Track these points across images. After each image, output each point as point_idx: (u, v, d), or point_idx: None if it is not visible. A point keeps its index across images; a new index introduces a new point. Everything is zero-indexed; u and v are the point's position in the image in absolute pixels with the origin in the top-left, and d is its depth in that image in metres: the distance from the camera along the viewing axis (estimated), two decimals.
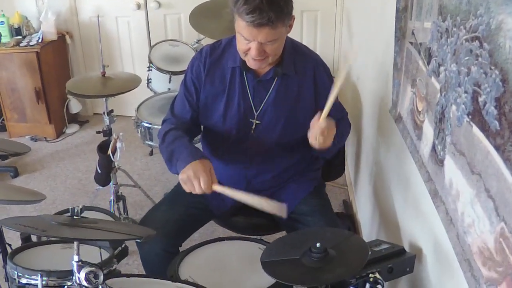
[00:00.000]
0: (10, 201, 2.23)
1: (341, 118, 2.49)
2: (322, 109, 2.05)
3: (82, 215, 1.87)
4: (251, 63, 2.18)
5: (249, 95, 2.32)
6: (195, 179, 2.06)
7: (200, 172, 2.06)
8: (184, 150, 2.20)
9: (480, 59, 1.26)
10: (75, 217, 1.83)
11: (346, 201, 4.01)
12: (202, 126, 2.51)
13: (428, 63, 1.76)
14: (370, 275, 1.75)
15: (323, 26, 5.14)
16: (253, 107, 2.33)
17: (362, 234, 3.38)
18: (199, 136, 2.60)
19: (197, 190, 2.07)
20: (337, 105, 2.47)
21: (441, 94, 1.61)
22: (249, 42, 2.08)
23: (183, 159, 2.14)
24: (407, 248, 2.01)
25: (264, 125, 2.34)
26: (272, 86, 2.31)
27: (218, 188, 2.08)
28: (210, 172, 2.09)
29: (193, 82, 2.37)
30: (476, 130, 1.30)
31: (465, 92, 1.37)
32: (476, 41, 1.29)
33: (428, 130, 1.75)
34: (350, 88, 4.16)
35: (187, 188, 2.10)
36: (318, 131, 2.06)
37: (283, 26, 2.07)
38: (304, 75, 2.33)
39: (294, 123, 2.35)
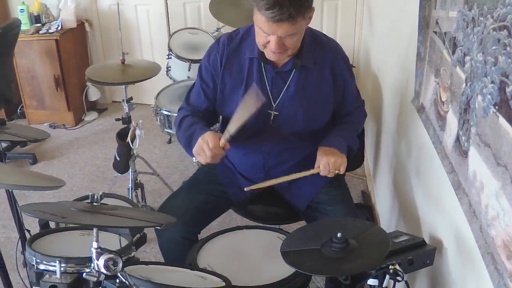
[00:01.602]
0: (29, 187, 2.23)
1: (355, 108, 2.48)
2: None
3: (102, 202, 1.87)
4: (270, 56, 2.16)
5: (267, 86, 2.30)
6: (204, 143, 2.11)
7: (208, 137, 2.12)
8: (201, 131, 2.21)
9: (508, 48, 1.24)
10: (94, 203, 1.83)
11: (364, 192, 3.99)
12: (220, 116, 2.50)
13: (453, 52, 1.74)
14: (390, 266, 1.74)
15: (344, 15, 5.10)
16: (271, 98, 2.31)
17: (381, 225, 3.36)
18: (217, 125, 2.60)
19: (207, 153, 2.11)
20: (354, 93, 2.45)
21: (466, 84, 1.58)
22: (268, 35, 2.05)
23: (197, 139, 2.17)
24: (427, 240, 1.99)
25: (282, 116, 2.32)
26: (291, 78, 2.29)
27: (224, 138, 2.12)
28: (218, 136, 2.14)
29: (210, 73, 2.36)
30: (502, 121, 1.28)
31: (492, 82, 1.35)
32: (505, 30, 1.26)
33: (452, 120, 1.73)
34: (371, 78, 4.13)
35: (201, 159, 2.15)
36: (326, 171, 2.22)
37: (303, 20, 2.04)
38: (323, 66, 2.31)
39: (313, 114, 2.33)
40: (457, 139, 1.67)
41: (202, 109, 2.41)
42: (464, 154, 1.59)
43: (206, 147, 2.10)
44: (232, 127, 2.10)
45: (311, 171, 2.24)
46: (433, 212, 2.09)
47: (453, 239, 1.81)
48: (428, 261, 1.91)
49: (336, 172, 2.21)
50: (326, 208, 2.38)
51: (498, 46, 1.31)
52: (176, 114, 2.50)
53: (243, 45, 2.32)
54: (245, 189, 2.24)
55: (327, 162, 2.19)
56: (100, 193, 1.86)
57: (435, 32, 2.02)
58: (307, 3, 2.02)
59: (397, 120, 2.92)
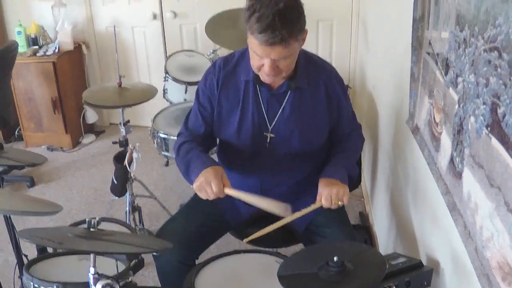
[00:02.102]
0: (27, 212, 2.24)
1: (352, 130, 2.48)
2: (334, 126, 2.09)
3: (99, 226, 1.87)
4: (264, 78, 2.18)
5: (263, 109, 2.31)
6: (207, 184, 2.10)
7: (211, 177, 2.10)
8: (197, 160, 2.23)
9: (499, 69, 1.24)
10: (91, 229, 1.83)
11: (362, 213, 3.99)
12: (217, 139, 2.51)
13: (446, 73, 1.75)
14: None
15: (339, 35, 5.12)
16: (267, 121, 2.32)
17: (378, 246, 3.36)
18: (215, 148, 2.61)
19: (210, 195, 2.11)
20: (349, 115, 2.46)
21: (459, 106, 1.59)
22: (262, 58, 2.07)
23: (197, 169, 2.17)
24: (424, 262, 1.98)
25: (278, 138, 2.33)
26: (286, 99, 2.30)
27: (230, 191, 2.13)
28: (221, 176, 2.13)
29: (207, 96, 2.37)
30: (495, 142, 1.28)
31: (484, 103, 1.35)
32: (495, 51, 1.27)
33: (446, 141, 1.73)
34: (366, 97, 4.15)
35: (202, 195, 2.14)
36: (328, 204, 2.18)
37: (296, 42, 2.05)
38: (317, 87, 2.32)
39: (309, 136, 2.34)
40: (451, 160, 1.67)
41: (201, 133, 2.42)
42: (458, 175, 1.60)
43: (210, 190, 2.10)
44: (245, 197, 2.15)
45: (314, 206, 2.20)
46: (430, 233, 2.09)
47: (450, 260, 1.81)
48: (425, 283, 1.90)
49: (340, 203, 2.19)
50: (323, 231, 2.38)
51: (489, 67, 1.32)
52: (173, 137, 2.52)
53: (239, 68, 2.33)
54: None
55: (329, 194, 2.17)
56: (97, 218, 1.86)
57: (428, 53, 2.03)
58: (300, 26, 2.03)
59: (392, 141, 2.92)
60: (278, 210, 2.09)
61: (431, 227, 2.07)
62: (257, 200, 2.14)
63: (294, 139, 2.33)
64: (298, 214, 2.18)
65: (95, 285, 1.67)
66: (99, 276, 1.69)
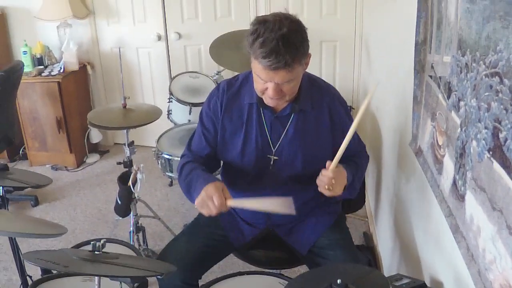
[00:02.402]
0: (32, 235, 2.25)
1: (358, 151, 2.49)
2: (337, 149, 2.06)
3: (103, 248, 1.88)
4: (268, 101, 2.19)
5: (267, 131, 2.33)
6: (208, 199, 2.09)
7: (212, 192, 2.10)
8: (199, 178, 2.23)
9: (500, 95, 1.26)
10: (96, 252, 1.84)
11: (366, 233, 3.98)
12: (221, 162, 2.52)
13: (448, 97, 1.76)
14: None
15: (342, 56, 5.16)
16: (270, 143, 2.33)
17: (382, 267, 3.36)
18: (218, 169, 2.61)
19: (212, 210, 2.10)
20: (355, 138, 2.46)
21: (461, 129, 1.60)
22: (266, 82, 2.08)
23: (198, 186, 2.17)
24: (428, 283, 1.99)
25: (282, 161, 2.34)
26: (289, 122, 2.31)
27: (232, 202, 2.13)
28: (222, 190, 2.12)
29: (211, 118, 2.38)
30: (497, 166, 1.30)
31: (486, 127, 1.37)
32: (496, 76, 1.29)
33: (449, 164, 1.75)
34: (370, 119, 4.16)
35: (204, 211, 2.13)
36: (326, 181, 2.10)
37: (300, 66, 2.07)
38: (320, 110, 2.33)
39: (312, 158, 2.34)
40: (454, 183, 1.68)
41: (204, 155, 2.43)
42: (461, 198, 1.61)
43: (212, 204, 2.09)
44: (247, 204, 2.17)
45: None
46: (433, 255, 2.10)
47: (453, 282, 1.81)
48: None
49: (329, 192, 2.13)
50: (327, 253, 2.38)
51: (490, 92, 1.33)
52: (177, 158, 2.53)
53: (242, 90, 2.35)
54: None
55: (329, 177, 2.11)
56: (102, 241, 1.87)
57: (431, 76, 2.05)
58: (303, 50, 2.05)
59: (396, 162, 2.93)
60: (282, 208, 2.08)
61: (434, 248, 2.07)
62: (260, 203, 2.15)
63: (298, 161, 2.34)
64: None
65: None
66: None
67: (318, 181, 2.14)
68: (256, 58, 2.01)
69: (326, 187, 2.12)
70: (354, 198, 2.42)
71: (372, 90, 2.15)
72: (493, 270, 1.35)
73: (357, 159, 2.44)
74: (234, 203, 2.15)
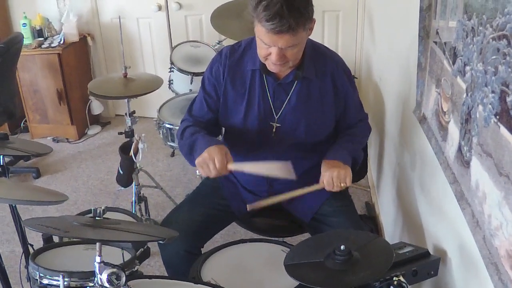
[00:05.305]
0: (32, 202, 2.24)
1: (359, 121, 2.47)
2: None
3: (104, 216, 1.87)
4: (271, 67, 2.17)
5: (269, 98, 2.30)
6: (210, 160, 2.10)
7: (214, 153, 2.10)
8: (202, 139, 2.23)
9: (508, 58, 1.24)
10: (97, 218, 1.83)
11: (368, 203, 3.98)
12: (223, 128, 2.51)
13: (453, 62, 1.74)
14: (394, 278, 1.73)
15: (345, 26, 5.11)
16: (273, 110, 2.32)
17: (385, 236, 3.36)
18: (220, 137, 2.60)
19: (212, 171, 2.11)
20: (357, 106, 2.45)
21: (467, 94, 1.58)
22: (269, 47, 2.06)
23: (200, 147, 2.17)
24: (431, 251, 1.98)
25: (284, 128, 2.32)
26: (293, 89, 2.29)
27: (233, 166, 2.15)
28: (225, 153, 2.13)
29: (213, 84, 2.36)
30: (504, 130, 1.27)
31: (492, 92, 1.35)
32: (504, 39, 1.26)
33: (454, 131, 1.72)
34: (373, 88, 4.14)
35: (203, 171, 2.13)
36: (331, 187, 2.21)
37: (304, 31, 2.04)
38: (324, 78, 2.31)
39: (315, 126, 2.33)
40: (459, 149, 1.67)
41: (205, 120, 2.41)
42: (466, 164, 1.59)
43: (212, 165, 2.09)
44: (248, 168, 2.18)
45: (315, 187, 2.22)
46: (436, 223, 2.09)
47: (457, 250, 1.80)
48: (432, 272, 1.90)
49: (342, 185, 2.19)
50: (330, 220, 2.37)
51: (497, 55, 1.31)
52: (178, 127, 2.50)
53: (245, 57, 2.32)
54: (248, 207, 2.22)
55: (331, 176, 2.17)
56: (103, 207, 1.86)
57: (435, 42, 2.02)
58: (308, 14, 2.02)
59: (399, 131, 2.91)
60: (282, 172, 2.09)
61: (438, 216, 2.06)
62: (260, 167, 2.16)
63: (300, 129, 2.32)
64: (298, 192, 2.21)
65: (101, 274, 1.67)
66: (105, 265, 1.68)
67: (326, 188, 2.21)
68: (260, 22, 1.98)
69: (335, 186, 2.19)
70: (356, 168, 2.41)
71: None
72: (499, 236, 1.33)
73: (353, 131, 2.45)
74: (234, 166, 2.15)
